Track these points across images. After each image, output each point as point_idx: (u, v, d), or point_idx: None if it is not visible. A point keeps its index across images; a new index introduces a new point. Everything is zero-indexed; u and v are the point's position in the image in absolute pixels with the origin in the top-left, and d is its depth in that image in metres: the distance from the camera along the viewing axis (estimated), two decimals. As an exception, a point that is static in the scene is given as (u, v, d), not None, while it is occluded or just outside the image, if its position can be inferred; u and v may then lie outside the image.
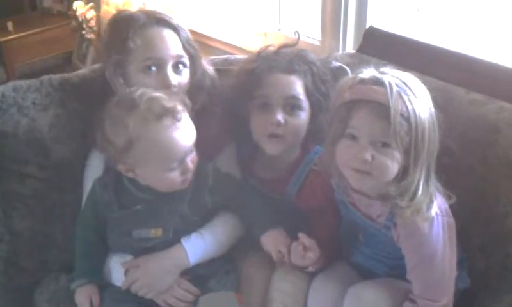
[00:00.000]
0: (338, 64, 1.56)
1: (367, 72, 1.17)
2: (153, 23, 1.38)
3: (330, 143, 1.19)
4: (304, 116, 1.35)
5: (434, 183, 1.17)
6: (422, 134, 1.11)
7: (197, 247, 1.29)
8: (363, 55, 1.63)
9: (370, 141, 1.12)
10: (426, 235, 1.14)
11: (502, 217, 1.27)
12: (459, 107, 1.24)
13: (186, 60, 1.40)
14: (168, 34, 1.38)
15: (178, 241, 1.29)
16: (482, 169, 1.30)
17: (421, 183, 1.13)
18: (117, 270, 1.32)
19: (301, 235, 1.26)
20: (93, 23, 2.99)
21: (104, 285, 1.33)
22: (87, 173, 1.45)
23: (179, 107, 1.22)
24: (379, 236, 1.24)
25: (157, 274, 1.27)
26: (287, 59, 1.37)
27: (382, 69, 1.17)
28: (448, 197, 1.18)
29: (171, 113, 1.20)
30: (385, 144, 1.11)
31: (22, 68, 3.37)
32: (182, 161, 1.23)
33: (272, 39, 2.22)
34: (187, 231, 1.30)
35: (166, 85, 1.34)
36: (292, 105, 1.34)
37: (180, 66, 1.38)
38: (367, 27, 1.80)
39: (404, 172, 1.13)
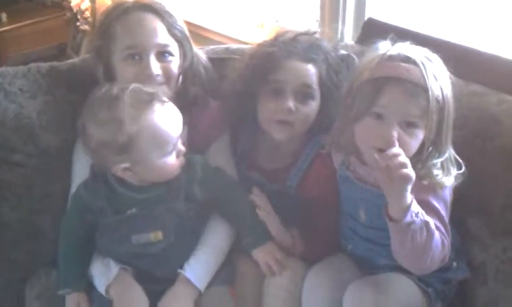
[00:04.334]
0: (345, 52, 1.54)
1: (394, 48, 1.16)
2: (135, 9, 1.33)
3: (352, 119, 1.18)
4: (314, 105, 1.34)
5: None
6: (450, 110, 1.14)
7: (201, 271, 1.26)
8: (364, 47, 1.61)
9: (398, 121, 1.11)
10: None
11: (500, 209, 1.26)
12: (459, 99, 1.23)
13: (173, 48, 1.35)
14: (149, 20, 1.33)
15: (181, 245, 1.26)
16: (481, 161, 1.29)
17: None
18: (100, 282, 1.26)
19: (254, 190, 1.32)
20: (87, 14, 2.98)
21: (91, 288, 1.29)
22: (76, 166, 1.40)
23: (159, 91, 1.23)
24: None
25: None
26: (305, 46, 1.35)
27: (402, 44, 1.16)
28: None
29: (157, 97, 1.21)
30: (410, 124, 1.11)
31: (16, 59, 3.33)
32: (176, 144, 1.23)
33: (270, 31, 2.19)
34: (186, 230, 1.27)
35: (146, 75, 1.29)
36: (304, 94, 1.33)
37: (166, 54, 1.33)
38: (365, 18, 1.78)
39: (436, 148, 1.14)
